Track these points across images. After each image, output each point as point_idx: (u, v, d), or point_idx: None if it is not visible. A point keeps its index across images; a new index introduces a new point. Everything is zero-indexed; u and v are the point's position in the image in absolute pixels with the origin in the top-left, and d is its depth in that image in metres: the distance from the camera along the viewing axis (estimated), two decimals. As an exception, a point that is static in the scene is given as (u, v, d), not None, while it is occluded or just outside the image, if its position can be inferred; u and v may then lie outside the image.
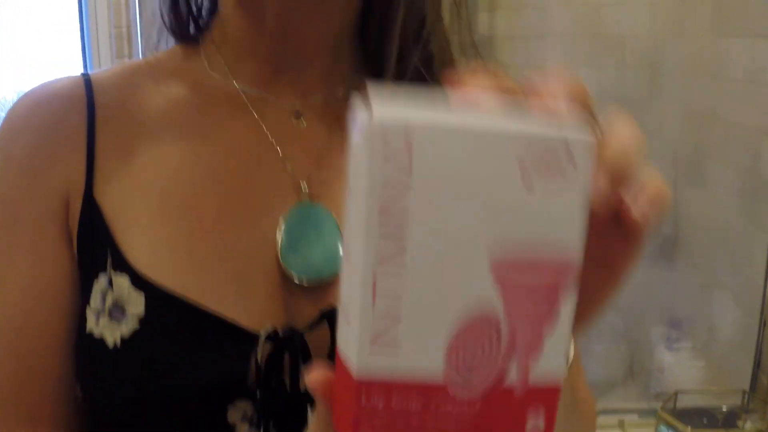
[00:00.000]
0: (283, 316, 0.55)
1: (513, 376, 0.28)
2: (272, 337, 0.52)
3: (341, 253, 0.30)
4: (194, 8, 0.67)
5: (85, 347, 0.54)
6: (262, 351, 0.52)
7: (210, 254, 0.55)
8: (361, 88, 0.31)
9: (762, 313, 1.57)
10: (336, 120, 0.60)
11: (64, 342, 0.56)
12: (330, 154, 0.60)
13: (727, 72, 1.85)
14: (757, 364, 1.59)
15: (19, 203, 0.57)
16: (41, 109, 0.60)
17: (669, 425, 1.56)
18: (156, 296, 0.53)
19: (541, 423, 0.29)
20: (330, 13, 0.60)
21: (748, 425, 1.50)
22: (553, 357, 0.29)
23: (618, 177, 0.31)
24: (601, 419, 1.67)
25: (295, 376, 0.53)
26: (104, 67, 1.08)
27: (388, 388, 0.28)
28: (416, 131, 0.25)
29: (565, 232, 0.28)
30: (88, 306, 0.54)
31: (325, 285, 0.54)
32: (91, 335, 0.53)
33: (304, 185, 0.57)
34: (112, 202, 0.56)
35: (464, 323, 0.27)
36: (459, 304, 0.27)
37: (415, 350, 0.28)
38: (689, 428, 1.51)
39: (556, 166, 0.27)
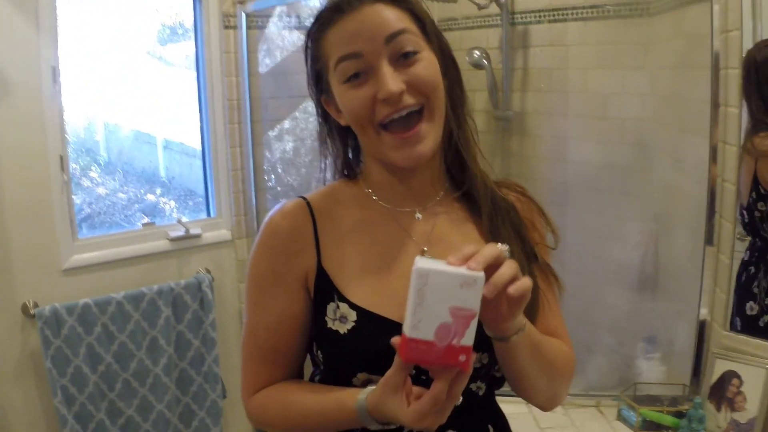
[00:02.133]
0: None
1: (455, 342, 0.99)
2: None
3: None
4: (353, 166, 1.41)
5: (327, 334, 1.26)
6: None
7: (386, 293, 1.26)
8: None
9: (697, 331, 2.40)
10: (435, 215, 1.34)
11: (297, 334, 1.32)
12: (434, 235, 1.32)
13: (686, 157, 2.66)
14: (695, 367, 2.41)
15: (281, 271, 1.31)
16: (290, 221, 1.32)
17: (628, 405, 2.40)
18: (362, 313, 1.24)
19: (464, 358, 1.00)
20: (429, 162, 1.30)
21: (685, 407, 2.33)
22: (468, 337, 0.99)
23: (500, 282, 1.00)
24: (584, 400, 2.54)
25: None
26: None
27: (416, 341, 0.99)
28: (429, 272, 0.97)
29: (473, 301, 0.98)
30: (326, 316, 1.26)
31: None
32: (330, 329, 1.25)
33: (425, 249, 1.30)
34: (332, 268, 1.29)
35: (440, 326, 0.98)
36: (439, 320, 0.98)
37: (425, 330, 0.99)
38: (639, 407, 2.35)
39: (472, 283, 0.97)
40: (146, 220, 3.46)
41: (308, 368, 1.43)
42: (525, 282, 1.03)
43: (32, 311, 2.91)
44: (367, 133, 1.25)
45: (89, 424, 3.02)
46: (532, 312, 1.26)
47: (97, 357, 3.04)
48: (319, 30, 1.26)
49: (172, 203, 3.92)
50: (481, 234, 1.33)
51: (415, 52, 1.21)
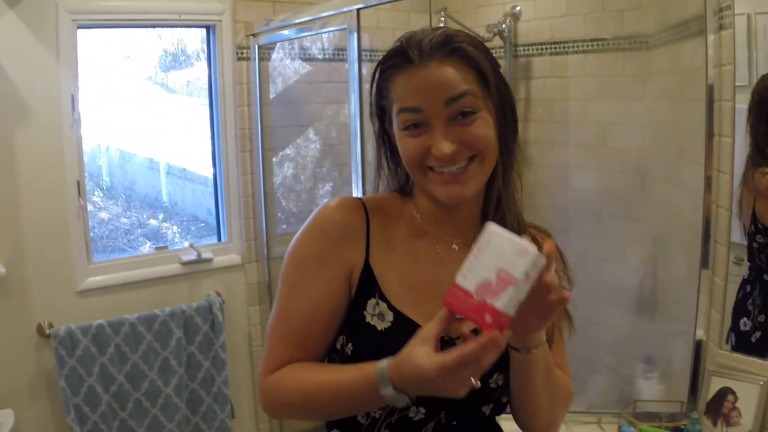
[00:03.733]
0: (447, 330, 1.24)
1: (489, 301, 1.09)
2: (442, 341, 1.23)
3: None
4: (405, 181, 1.49)
5: (365, 327, 1.34)
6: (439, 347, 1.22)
7: (421, 305, 1.35)
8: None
9: (694, 350, 2.55)
10: (470, 247, 1.46)
11: (331, 322, 1.38)
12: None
13: (683, 184, 2.80)
14: (692, 385, 2.55)
15: (327, 259, 1.37)
16: (346, 213, 1.40)
17: (628, 422, 2.55)
18: (398, 315, 1.34)
19: (489, 318, 1.08)
20: (473, 199, 1.40)
21: (683, 423, 2.47)
22: (502, 302, 1.08)
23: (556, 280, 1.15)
24: (585, 417, 2.68)
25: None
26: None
27: (459, 288, 1.13)
28: (496, 233, 1.12)
29: (519, 270, 1.08)
30: (365, 310, 1.35)
31: (462, 319, 1.22)
32: (368, 323, 1.34)
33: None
34: (378, 268, 1.38)
35: (483, 282, 1.10)
36: (484, 276, 1.11)
37: (470, 281, 1.12)
38: (638, 423, 2.49)
39: (524, 252, 1.09)
40: (149, 245, 3.59)
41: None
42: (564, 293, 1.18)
43: (47, 331, 3.04)
44: (414, 173, 1.37)
45: (101, 443, 3.16)
46: (546, 343, 1.36)
47: (110, 377, 3.17)
48: (387, 70, 1.35)
49: (175, 228, 4.07)
50: None
51: (473, 113, 1.30)
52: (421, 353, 1.15)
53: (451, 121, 1.29)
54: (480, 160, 1.32)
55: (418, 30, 1.37)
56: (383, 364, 1.21)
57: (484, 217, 1.44)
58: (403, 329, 1.31)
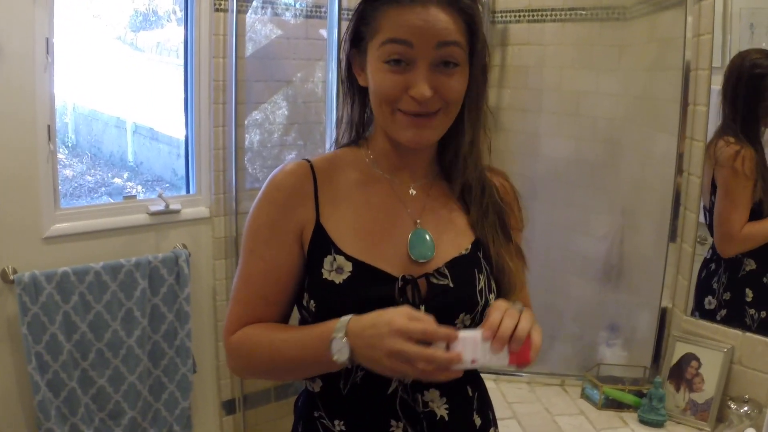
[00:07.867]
0: (408, 272, 1.36)
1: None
2: (404, 279, 1.35)
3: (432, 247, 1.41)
4: (362, 129, 1.51)
5: (322, 284, 1.35)
6: (400, 284, 1.34)
7: (380, 250, 1.38)
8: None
9: (659, 316, 2.57)
10: (428, 192, 1.47)
11: (286, 283, 1.41)
12: (425, 208, 1.46)
13: (654, 154, 2.82)
14: (656, 351, 2.58)
15: (278, 223, 1.40)
16: (292, 179, 1.42)
17: (591, 384, 2.56)
18: (357, 264, 1.35)
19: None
20: (431, 146, 1.45)
21: (646, 387, 2.50)
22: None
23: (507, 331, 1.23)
24: (548, 379, 2.69)
25: (413, 296, 1.34)
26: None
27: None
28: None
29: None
30: (322, 268, 1.35)
31: (424, 262, 1.39)
32: (326, 280, 1.35)
33: (418, 222, 1.44)
34: (330, 225, 1.39)
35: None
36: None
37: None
38: (602, 385, 2.50)
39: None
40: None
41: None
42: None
43: (11, 277, 2.95)
44: (383, 110, 1.36)
45: (61, 392, 3.07)
46: (510, 289, 1.46)
47: (73, 326, 3.09)
48: (381, 0, 1.34)
49: (140, 188, 3.97)
50: (466, 215, 1.47)
51: (455, 65, 1.32)
52: (392, 310, 1.24)
53: (434, 67, 1.31)
54: (445, 112, 1.36)
55: None
56: (346, 318, 1.27)
57: (441, 165, 1.50)
58: (364, 276, 1.36)
